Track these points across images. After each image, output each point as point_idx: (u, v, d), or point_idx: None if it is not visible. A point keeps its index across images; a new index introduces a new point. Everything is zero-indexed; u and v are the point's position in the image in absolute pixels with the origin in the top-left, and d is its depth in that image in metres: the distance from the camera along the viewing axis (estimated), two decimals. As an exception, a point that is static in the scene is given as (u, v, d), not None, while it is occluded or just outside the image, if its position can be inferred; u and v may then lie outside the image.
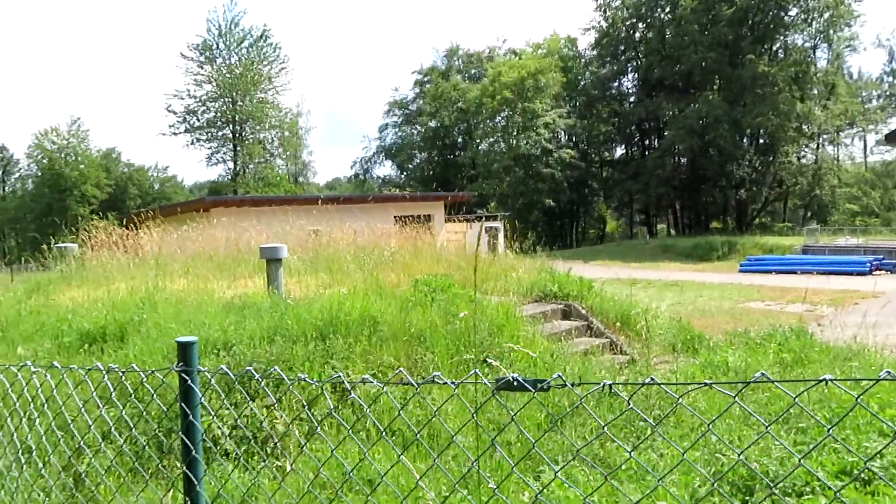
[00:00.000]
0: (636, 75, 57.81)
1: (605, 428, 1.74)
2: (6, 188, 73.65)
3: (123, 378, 2.57)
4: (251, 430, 5.56)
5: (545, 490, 4.18)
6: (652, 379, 1.47)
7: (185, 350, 2.16)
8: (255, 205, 21.92)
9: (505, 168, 51.79)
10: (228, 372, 2.10)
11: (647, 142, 59.51)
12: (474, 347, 7.05)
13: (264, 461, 5.32)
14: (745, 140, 50.09)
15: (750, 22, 47.42)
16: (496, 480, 4.59)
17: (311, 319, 7.01)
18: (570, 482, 4.40)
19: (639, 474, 4.71)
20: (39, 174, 64.76)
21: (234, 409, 5.71)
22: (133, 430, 5.21)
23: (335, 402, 6.14)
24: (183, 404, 2.15)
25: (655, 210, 58.10)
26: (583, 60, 61.67)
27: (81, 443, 5.23)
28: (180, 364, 2.15)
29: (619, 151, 62.96)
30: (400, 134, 68.67)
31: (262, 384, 5.31)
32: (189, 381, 2.13)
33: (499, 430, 5.42)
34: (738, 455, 1.81)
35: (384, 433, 5.65)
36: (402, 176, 67.56)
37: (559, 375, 1.61)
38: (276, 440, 5.48)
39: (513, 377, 1.67)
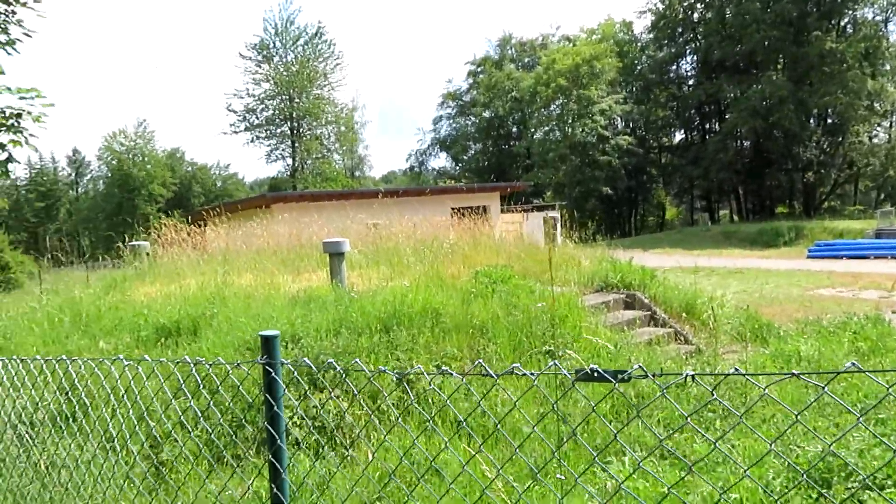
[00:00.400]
0: (695, 57, 56.20)
1: (688, 419, 1.73)
2: (79, 189, 77.01)
3: (194, 370, 2.69)
4: (320, 422, 5.71)
5: (613, 481, 4.16)
6: (736, 370, 1.47)
7: (268, 343, 2.24)
8: (314, 200, 22.31)
9: (560, 157, 51.23)
10: (311, 364, 2.18)
11: (707, 125, 57.86)
12: (536, 338, 7.05)
13: (332, 451, 5.46)
14: (811, 120, 48.14)
15: (815, -3, 45.56)
16: (564, 472, 4.60)
17: (374, 312, 7.14)
18: (642, 474, 4.37)
19: (709, 466, 4.65)
20: (109, 175, 67.42)
21: (303, 401, 5.87)
22: (205, 422, 5.41)
23: (400, 395, 6.25)
24: (267, 395, 2.24)
25: (717, 195, 56.53)
26: (639, 44, 60.35)
27: (159, 433, 5.48)
28: (264, 357, 2.24)
29: (679, 136, 61.44)
30: (454, 125, 68.69)
31: (341, 376, 5.44)
32: (273, 374, 2.22)
33: (563, 421, 5.42)
34: (829, 445, 1.77)
35: (449, 425, 5.71)
36: (458, 167, 67.61)
37: (640, 366, 1.61)
38: (357, 430, 5.61)
39: (592, 368, 1.69)
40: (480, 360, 2.00)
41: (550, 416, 5.78)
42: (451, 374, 1.88)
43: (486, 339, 7.05)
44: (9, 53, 6.90)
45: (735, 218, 54.99)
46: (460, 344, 6.89)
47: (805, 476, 2.74)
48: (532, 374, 1.85)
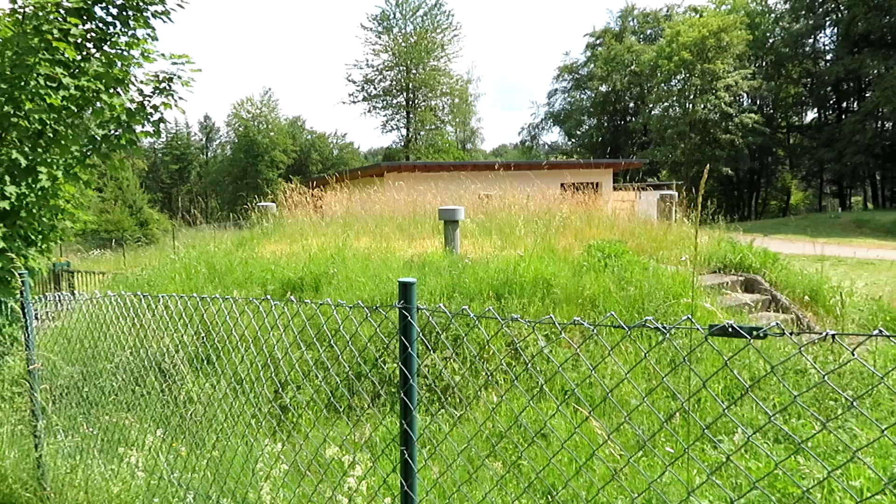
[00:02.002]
0: (836, 30, 52.07)
1: (826, 377, 1.74)
2: (209, 153, 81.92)
3: (325, 318, 2.92)
4: (432, 380, 5.95)
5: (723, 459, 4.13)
6: (881, 331, 1.47)
7: (405, 289, 2.42)
8: (427, 170, 22.70)
9: (679, 134, 49.26)
10: (446, 311, 2.34)
11: (844, 104, 53.71)
12: (649, 314, 6.98)
13: (443, 409, 5.69)
14: (966, 101, 43.73)
15: (983, -37, 41.02)
16: (673, 445, 4.60)
17: (487, 279, 7.29)
18: (755, 455, 4.31)
19: (827, 453, 4.51)
20: (236, 141, 71.29)
21: (420, 359, 6.14)
22: (330, 369, 5.78)
23: (509, 360, 6.39)
24: (403, 338, 2.43)
25: (850, 181, 52.55)
26: (773, 15, 56.58)
27: (286, 379, 5.90)
28: (401, 301, 2.42)
29: (811, 116, 57.48)
30: (569, 99, 67.45)
31: (457, 340, 5.64)
32: (409, 318, 2.40)
33: (673, 397, 5.39)
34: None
35: (556, 393, 5.81)
36: (570, 142, 66.52)
37: (777, 324, 1.64)
38: (470, 390, 5.82)
39: (728, 323, 1.73)
40: (612, 312, 2.09)
41: (659, 391, 5.75)
42: (583, 323, 1.97)
43: (597, 312, 7.05)
44: (164, 22, 7.48)
45: (869, 205, 51.05)
46: (571, 315, 6.94)
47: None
48: (664, 327, 1.90)
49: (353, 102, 54.33)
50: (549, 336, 6.71)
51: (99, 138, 7.35)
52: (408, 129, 53.86)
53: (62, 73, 6.51)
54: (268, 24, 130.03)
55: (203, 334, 6.17)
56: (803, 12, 52.65)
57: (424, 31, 52.17)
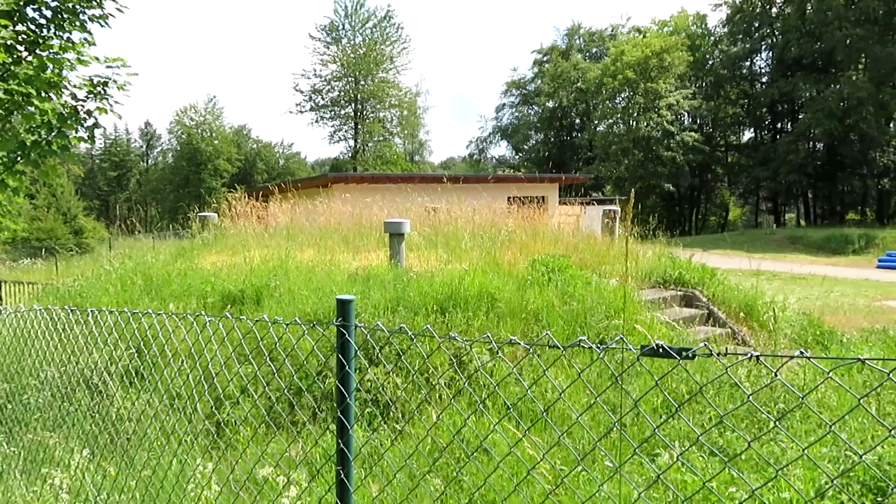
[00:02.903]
0: (771, 54, 54.30)
1: (750, 397, 1.77)
2: (149, 161, 79.82)
3: (271, 329, 2.86)
4: (374, 395, 5.88)
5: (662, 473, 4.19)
6: (801, 352, 1.51)
7: (343, 307, 2.38)
8: (374, 182, 22.61)
9: (623, 150, 50.44)
10: (384, 329, 2.30)
11: (779, 125, 55.95)
12: (591, 329, 7.07)
13: (385, 424, 5.63)
14: (891, 124, 46.06)
15: (905, -5, 43.38)
16: (612, 459, 4.64)
17: (431, 293, 7.27)
18: (690, 469, 4.38)
19: (760, 465, 4.62)
20: (178, 148, 69.65)
21: (359, 375, 6.05)
22: (267, 387, 5.65)
23: (452, 374, 6.37)
24: (340, 356, 2.38)
25: (784, 198, 54.69)
26: (712, 38, 58.65)
27: (221, 395, 5.74)
28: (339, 319, 2.37)
29: (748, 135, 59.64)
30: (517, 114, 68.35)
31: (397, 355, 5.59)
32: (346, 335, 2.35)
33: (614, 410, 5.45)
34: (860, 456, 1.80)
35: (499, 407, 5.81)
36: (518, 156, 67.33)
37: (705, 344, 1.67)
38: (410, 406, 5.76)
39: (658, 344, 1.74)
40: (548, 332, 2.09)
41: (598, 406, 5.81)
42: (519, 343, 1.96)
43: (541, 326, 7.11)
44: (101, 26, 7.25)
45: (802, 222, 53.21)
46: (514, 330, 6.97)
47: (835, 481, 2.76)
48: (598, 347, 1.91)
49: (301, 112, 53.90)
50: (493, 350, 6.72)
51: (28, 144, 7.06)
52: (356, 140, 53.63)
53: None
54: (215, 31, 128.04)
55: (135, 349, 5.96)
56: (741, 36, 54.75)
57: (374, 43, 52.14)
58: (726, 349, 1.80)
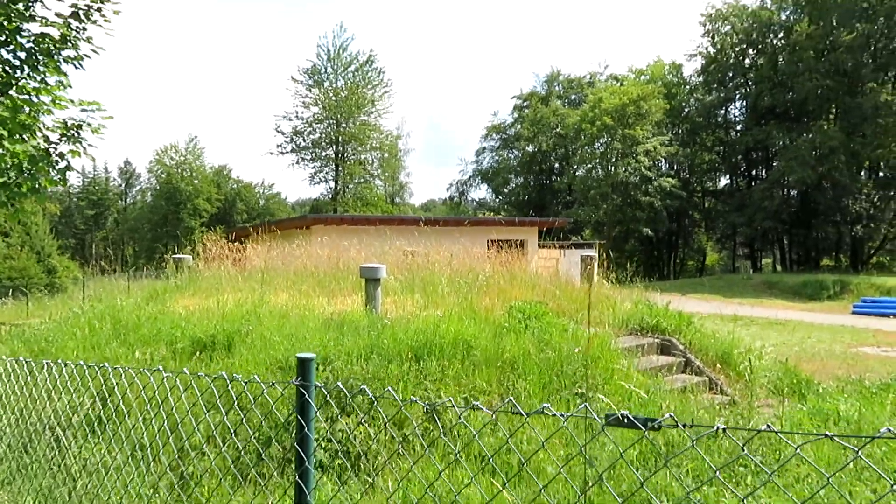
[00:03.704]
0: (744, 103, 55.73)
1: (717, 472, 1.71)
2: (128, 200, 79.29)
3: (230, 387, 2.75)
4: (346, 446, 5.72)
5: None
6: (768, 426, 1.45)
7: (303, 365, 2.29)
8: (354, 223, 22.56)
9: (602, 195, 51.02)
10: (343, 389, 2.21)
11: (754, 172, 57.12)
12: (568, 378, 6.98)
13: (356, 477, 5.46)
14: (863, 173, 47.20)
15: (872, 48, 44.83)
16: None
17: (406, 340, 7.16)
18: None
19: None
20: (158, 188, 69.30)
21: (331, 424, 5.89)
22: (234, 437, 5.47)
23: (427, 425, 6.23)
24: (299, 416, 2.28)
25: (760, 244, 55.48)
26: (688, 87, 60.11)
27: (188, 445, 5.55)
28: (299, 378, 2.28)
29: (724, 181, 60.74)
30: (497, 158, 69.08)
31: (371, 402, 5.46)
32: (306, 395, 2.25)
33: (589, 465, 5.34)
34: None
35: (474, 459, 5.67)
36: (497, 200, 67.81)
37: (671, 416, 1.61)
38: (382, 458, 5.60)
39: (623, 414, 1.68)
40: (511, 398, 2.01)
41: (577, 458, 5.69)
42: (482, 409, 1.89)
43: (517, 375, 7.01)
44: (76, 67, 7.22)
45: (778, 268, 53.89)
46: (490, 378, 6.86)
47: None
48: (562, 415, 1.85)
49: (282, 153, 53.96)
50: (469, 399, 6.60)
51: (-3, 185, 6.94)
52: (336, 182, 53.73)
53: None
54: (197, 71, 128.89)
55: (98, 396, 5.77)
56: (715, 85, 56.15)
57: (355, 87, 52.66)
58: (692, 421, 1.74)
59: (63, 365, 3.97)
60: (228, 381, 2.52)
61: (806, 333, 19.46)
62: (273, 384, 2.39)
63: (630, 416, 1.71)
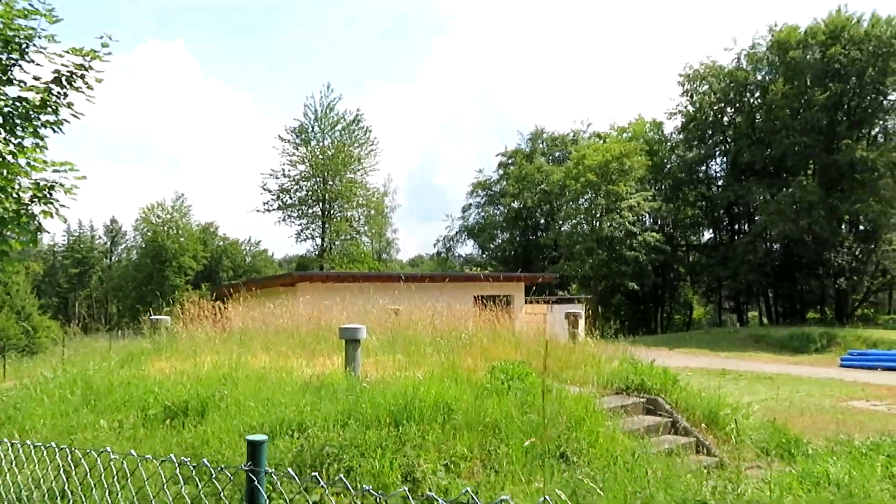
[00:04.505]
0: (724, 159, 56.76)
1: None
2: (113, 258, 78.76)
3: (178, 470, 2.60)
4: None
5: None
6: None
7: (254, 449, 2.15)
8: (339, 280, 22.43)
9: (587, 250, 51.27)
10: (295, 477, 2.07)
11: (736, 226, 57.77)
12: (551, 441, 6.79)
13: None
14: (843, 227, 47.82)
15: (846, 107, 46.06)
16: None
17: (385, 404, 6.97)
18: None
19: None
20: (143, 245, 68.95)
21: (305, 496, 5.65)
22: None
23: (404, 495, 6.00)
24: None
25: (746, 297, 55.66)
26: (669, 144, 61.23)
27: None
28: (248, 463, 2.14)
29: (707, 235, 61.33)
30: (483, 214, 69.54)
31: (342, 474, 5.25)
32: (256, 482, 2.11)
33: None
34: None
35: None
36: (484, 255, 67.95)
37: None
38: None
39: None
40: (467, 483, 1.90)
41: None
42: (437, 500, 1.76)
43: (499, 439, 6.81)
44: (55, 132, 7.17)
45: (764, 321, 53.94)
46: (471, 443, 6.66)
47: None
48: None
49: (268, 211, 54.03)
50: (450, 466, 6.39)
51: (-35, 247, 6.79)
52: (323, 239, 53.70)
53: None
54: (184, 129, 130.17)
55: (61, 470, 5.52)
56: (695, 143, 57.22)
57: (342, 145, 53.17)
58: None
59: (20, 445, 3.79)
60: (177, 465, 2.37)
61: (794, 387, 19.31)
62: (221, 469, 2.25)
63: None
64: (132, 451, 2.67)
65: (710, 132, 56.21)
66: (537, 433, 6.85)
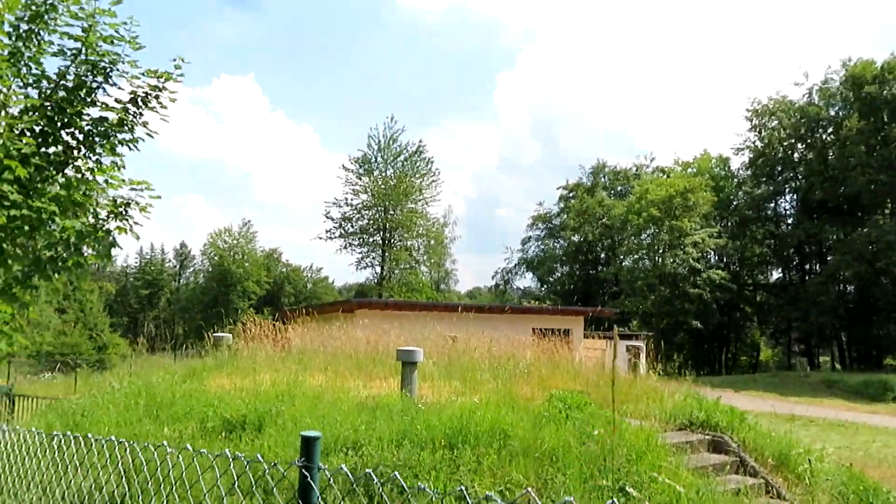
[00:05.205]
0: (795, 196, 54.99)
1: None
2: (181, 280, 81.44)
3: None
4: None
5: None
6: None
7: (308, 445, 2.12)
8: (397, 308, 22.54)
9: (649, 286, 50.19)
10: (349, 473, 2.03)
11: (807, 266, 55.61)
12: (611, 473, 6.55)
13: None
14: (924, 269, 45.45)
15: (925, 143, 44.18)
16: None
17: (440, 426, 6.87)
18: None
19: None
20: (210, 269, 71.11)
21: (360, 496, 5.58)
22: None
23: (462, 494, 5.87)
24: (300, 501, 2.09)
25: (817, 340, 53.23)
26: (735, 180, 59.78)
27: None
28: (302, 459, 2.11)
29: (776, 275, 59.21)
30: (542, 247, 69.10)
31: (383, 489, 5.17)
32: (308, 478, 2.07)
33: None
34: None
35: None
36: (543, 288, 67.30)
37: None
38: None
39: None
40: (529, 489, 1.80)
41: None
42: (496, 501, 1.68)
43: (556, 468, 6.60)
44: (130, 149, 7.46)
45: (837, 366, 51.42)
46: (527, 470, 6.48)
47: None
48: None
49: (330, 238, 55.05)
50: (504, 492, 6.23)
51: (45, 259, 7.09)
52: (382, 267, 54.24)
53: (10, 190, 6.34)
54: (253, 157, 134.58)
55: (123, 474, 5.62)
56: (764, 179, 55.64)
57: (404, 175, 53.90)
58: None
59: (88, 439, 3.87)
60: (230, 459, 2.36)
61: (870, 437, 18.23)
62: (275, 465, 2.23)
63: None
64: (188, 446, 2.68)
65: (780, 168, 54.61)
66: (596, 464, 6.63)
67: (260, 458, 2.32)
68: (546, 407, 8.17)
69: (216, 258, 70.00)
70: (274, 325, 13.94)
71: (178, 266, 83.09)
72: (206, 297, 67.14)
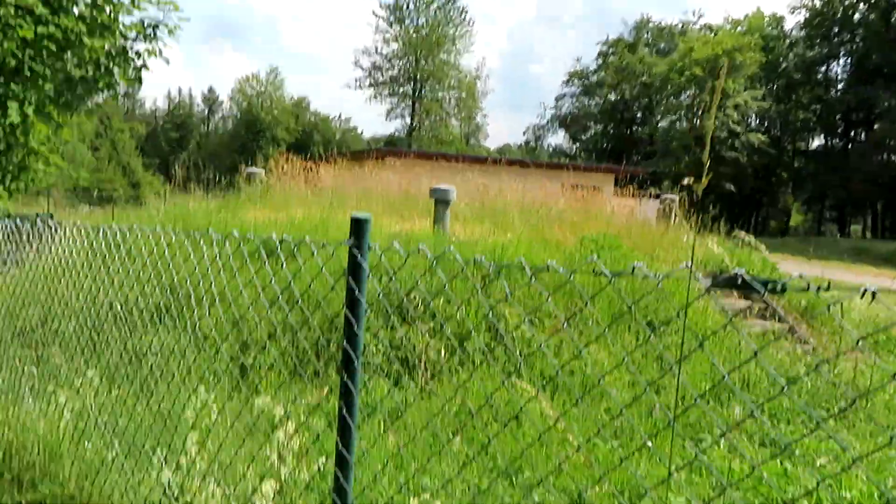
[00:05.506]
0: (849, 60, 51.83)
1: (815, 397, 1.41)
2: (210, 126, 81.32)
3: (279, 249, 2.62)
4: (403, 353, 5.62)
5: (706, 457, 3.81)
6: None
7: (358, 225, 2.10)
8: (427, 158, 22.37)
9: (684, 147, 48.95)
10: (400, 248, 2.02)
11: (852, 133, 53.48)
12: (639, 309, 6.66)
13: (412, 382, 5.36)
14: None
15: None
16: (654, 440, 4.28)
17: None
18: (738, 456, 3.99)
19: (815, 459, 4.19)
20: (238, 116, 70.68)
21: (389, 332, 5.78)
22: (297, 333, 5.43)
23: (488, 341, 6.07)
24: (351, 278, 2.10)
25: (851, 208, 52.35)
26: (787, 41, 56.24)
27: (249, 338, 5.56)
28: (351, 239, 2.09)
29: (817, 142, 57.23)
30: (577, 104, 67.04)
31: (428, 311, 5.31)
32: (359, 257, 2.07)
33: (656, 390, 5.07)
34: None
35: (536, 377, 5.49)
36: (575, 146, 66.17)
37: (801, 275, 1.31)
38: (440, 367, 5.49)
39: (737, 272, 1.39)
40: (594, 257, 1.75)
41: (642, 386, 5.42)
42: (559, 269, 1.63)
43: (584, 302, 6.73)
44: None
45: (867, 234, 50.90)
46: (558, 303, 6.61)
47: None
48: (657, 276, 1.58)
49: (360, 87, 53.99)
50: (534, 321, 6.39)
51: (76, 78, 7.00)
52: (412, 119, 53.46)
53: (35, 3, 6.13)
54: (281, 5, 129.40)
55: (168, 286, 5.84)
56: (818, 41, 52.25)
57: (436, 24, 51.72)
58: (828, 284, 1.45)
59: (133, 230, 3.95)
60: (278, 243, 2.38)
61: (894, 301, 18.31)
62: (324, 245, 2.24)
63: (746, 277, 1.42)
64: (235, 231, 2.68)
65: (837, 30, 51.09)
66: (624, 301, 6.73)
67: (308, 240, 2.32)
68: (577, 248, 8.22)
69: (244, 104, 69.31)
70: (306, 164, 13.91)
71: (206, 111, 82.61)
72: (235, 143, 67.14)
